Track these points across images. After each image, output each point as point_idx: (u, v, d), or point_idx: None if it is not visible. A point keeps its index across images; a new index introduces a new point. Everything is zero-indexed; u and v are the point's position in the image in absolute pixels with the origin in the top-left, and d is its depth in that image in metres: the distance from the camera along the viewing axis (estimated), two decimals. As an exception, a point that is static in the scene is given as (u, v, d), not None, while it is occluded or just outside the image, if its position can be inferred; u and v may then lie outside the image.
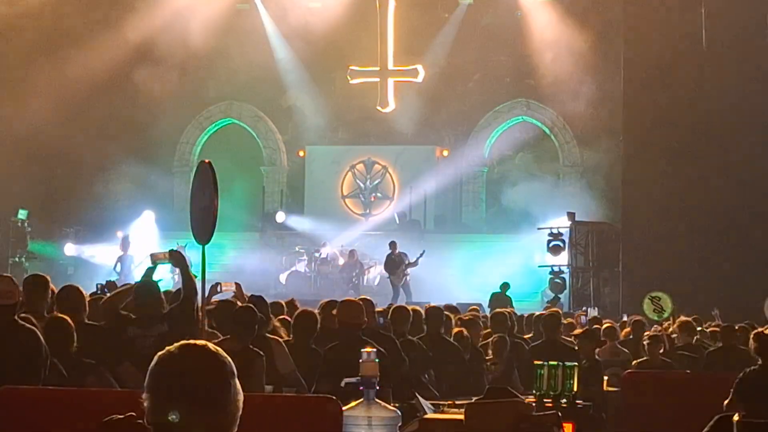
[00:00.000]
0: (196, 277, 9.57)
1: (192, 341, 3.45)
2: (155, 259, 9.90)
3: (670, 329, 16.05)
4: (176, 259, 9.81)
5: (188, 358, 3.39)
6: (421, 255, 28.85)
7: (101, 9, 32.37)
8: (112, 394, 7.53)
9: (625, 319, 19.51)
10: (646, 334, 14.84)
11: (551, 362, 8.86)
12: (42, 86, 30.60)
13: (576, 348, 11.94)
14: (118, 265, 29.64)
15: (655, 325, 18.68)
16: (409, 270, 28.84)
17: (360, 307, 9.70)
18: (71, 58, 31.00)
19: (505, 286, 25.67)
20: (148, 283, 10.09)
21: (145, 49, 32.56)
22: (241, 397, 3.43)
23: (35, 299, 8.82)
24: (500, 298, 24.57)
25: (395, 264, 28.75)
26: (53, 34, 31.67)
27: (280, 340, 9.94)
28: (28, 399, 7.01)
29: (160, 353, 3.41)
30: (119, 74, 32.38)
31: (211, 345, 3.44)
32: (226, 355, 3.43)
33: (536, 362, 9.27)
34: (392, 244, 29.13)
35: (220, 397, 3.38)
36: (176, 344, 3.43)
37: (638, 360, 13.24)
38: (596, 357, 12.09)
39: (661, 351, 13.16)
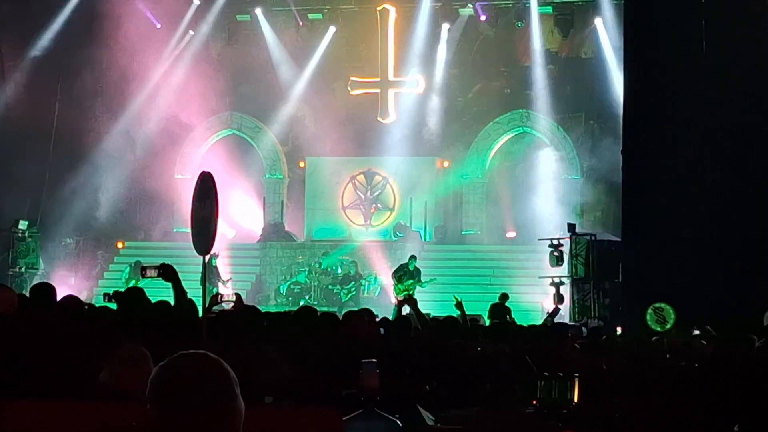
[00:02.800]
0: (186, 293, 9.44)
1: (195, 351, 3.43)
2: (145, 273, 9.67)
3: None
4: (167, 272, 9.59)
5: (194, 369, 3.37)
6: (432, 280, 28.68)
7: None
8: (113, 407, 7.51)
9: (619, 331, 19.46)
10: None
11: (551, 372, 8.84)
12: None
13: (578, 358, 11.93)
14: (129, 277, 29.88)
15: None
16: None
17: (362, 318, 9.69)
18: (70, 64, 31.01)
19: (504, 296, 25.66)
20: (134, 290, 9.91)
21: (146, 60, 32.62)
22: (242, 406, 3.41)
23: (41, 308, 8.79)
24: (499, 308, 24.57)
25: (404, 274, 28.59)
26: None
27: (272, 347, 9.90)
28: (29, 411, 6.99)
29: (162, 364, 3.39)
30: (119, 86, 32.46)
31: (213, 355, 3.43)
32: (227, 365, 3.42)
33: (536, 372, 9.26)
34: (413, 257, 28.97)
35: (226, 408, 3.37)
36: (180, 354, 3.40)
37: None
38: (603, 367, 12.08)
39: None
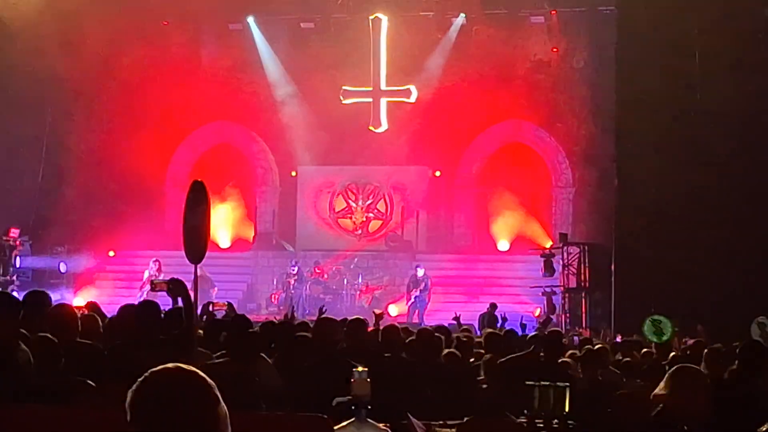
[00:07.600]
0: (194, 308, 9.46)
1: (169, 365, 3.37)
2: (156, 288, 9.74)
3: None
4: (176, 288, 9.62)
5: (170, 382, 3.33)
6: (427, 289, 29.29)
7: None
8: (100, 414, 7.47)
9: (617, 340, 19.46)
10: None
11: (543, 383, 8.83)
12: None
13: (571, 369, 11.90)
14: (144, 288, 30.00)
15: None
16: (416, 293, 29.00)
17: (336, 325, 9.66)
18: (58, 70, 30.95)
19: (493, 306, 25.69)
20: (149, 304, 9.95)
21: (138, 70, 32.61)
22: (227, 419, 3.36)
23: (34, 316, 8.77)
24: (488, 318, 24.60)
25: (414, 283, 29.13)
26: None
27: (265, 357, 9.87)
28: (16, 418, 6.95)
29: (140, 379, 3.33)
30: (112, 94, 32.48)
31: (191, 368, 3.36)
32: (209, 379, 3.36)
33: (528, 383, 9.24)
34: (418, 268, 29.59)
35: (208, 415, 3.32)
36: (158, 368, 3.37)
37: None
38: (599, 378, 12.07)
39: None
